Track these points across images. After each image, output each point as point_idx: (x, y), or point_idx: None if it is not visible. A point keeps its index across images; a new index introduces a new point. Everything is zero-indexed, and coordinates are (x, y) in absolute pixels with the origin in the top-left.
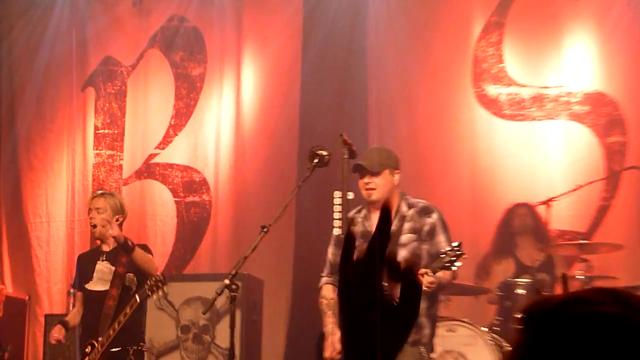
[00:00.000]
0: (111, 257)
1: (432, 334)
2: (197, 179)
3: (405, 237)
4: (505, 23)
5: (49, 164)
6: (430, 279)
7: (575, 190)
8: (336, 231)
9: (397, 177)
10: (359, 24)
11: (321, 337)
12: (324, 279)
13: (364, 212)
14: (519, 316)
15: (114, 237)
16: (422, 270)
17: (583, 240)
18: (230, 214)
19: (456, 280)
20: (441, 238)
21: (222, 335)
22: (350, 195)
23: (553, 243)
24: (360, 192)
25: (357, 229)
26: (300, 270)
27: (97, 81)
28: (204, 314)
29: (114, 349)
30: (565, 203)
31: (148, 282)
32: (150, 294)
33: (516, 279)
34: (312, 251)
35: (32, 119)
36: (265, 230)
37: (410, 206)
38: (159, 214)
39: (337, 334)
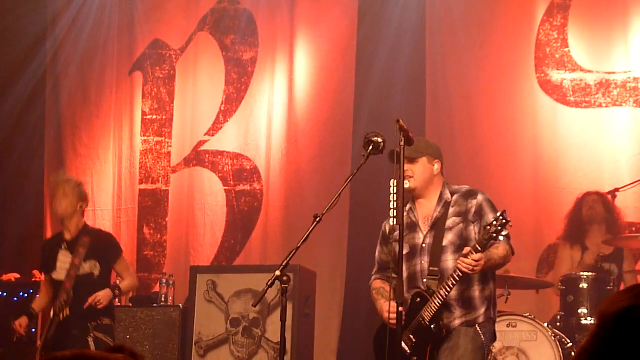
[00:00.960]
0: (71, 246)
1: (490, 316)
2: (248, 167)
3: (450, 221)
4: (570, 5)
5: (95, 150)
6: (477, 256)
7: None
8: (391, 221)
9: (437, 166)
10: (416, 7)
11: (380, 331)
12: (374, 277)
13: (408, 204)
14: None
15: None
16: (466, 250)
17: None
18: (281, 203)
19: (517, 274)
20: (490, 217)
21: (273, 329)
22: (407, 184)
23: (622, 235)
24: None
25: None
26: (354, 262)
27: (145, 65)
28: (254, 306)
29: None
30: (632, 194)
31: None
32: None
33: (580, 273)
34: (367, 242)
35: (77, 104)
36: (318, 219)
37: (453, 193)
38: (208, 203)
39: (392, 304)
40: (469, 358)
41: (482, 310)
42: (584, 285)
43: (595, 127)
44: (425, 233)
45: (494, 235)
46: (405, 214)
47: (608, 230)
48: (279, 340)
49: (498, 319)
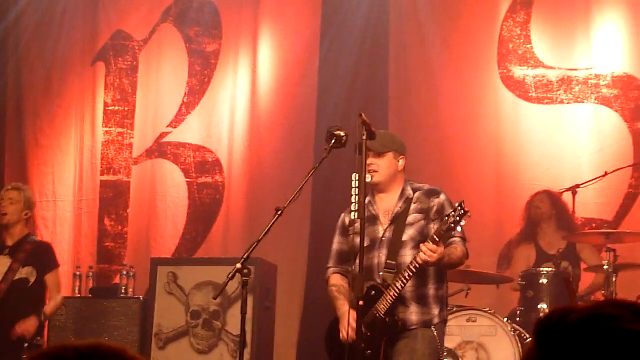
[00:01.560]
0: (12, 252)
1: (444, 317)
2: (210, 159)
3: (412, 217)
4: (533, 2)
5: (57, 141)
6: (433, 247)
7: (602, 177)
8: (352, 214)
9: (401, 162)
10: (381, 1)
11: (333, 324)
12: (331, 269)
13: (368, 198)
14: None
15: None
16: (425, 243)
17: (609, 228)
18: (243, 195)
19: (477, 269)
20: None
21: (233, 321)
22: (369, 178)
23: (578, 231)
24: None
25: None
26: (315, 255)
27: (108, 56)
28: (214, 299)
29: None
30: (592, 190)
31: None
32: None
33: (540, 269)
34: (328, 235)
35: (39, 94)
36: (279, 213)
37: (415, 190)
38: (170, 194)
39: (352, 314)
40: None
41: (437, 311)
42: (544, 280)
43: (557, 124)
44: (385, 226)
45: (452, 225)
46: (365, 205)
47: (559, 227)
48: (239, 332)
49: (458, 314)
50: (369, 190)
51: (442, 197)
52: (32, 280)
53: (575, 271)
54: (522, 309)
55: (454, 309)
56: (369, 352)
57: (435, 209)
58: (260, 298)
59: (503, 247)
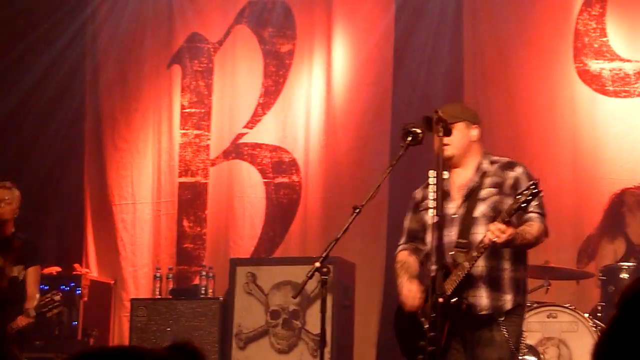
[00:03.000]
0: (2, 250)
1: (518, 301)
2: (287, 159)
3: (485, 192)
4: None
5: (135, 144)
6: (502, 226)
7: None
8: (431, 212)
9: (475, 132)
10: None
11: (398, 308)
12: (400, 247)
13: (446, 173)
14: (620, 297)
15: None
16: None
17: None
18: (320, 195)
19: (557, 264)
20: None
21: (312, 320)
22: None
23: None
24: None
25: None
26: (393, 253)
27: (183, 58)
28: (294, 298)
29: None
30: None
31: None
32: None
33: (620, 263)
34: None
35: (116, 98)
36: (357, 211)
37: (493, 162)
38: (247, 195)
39: (415, 284)
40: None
41: (510, 296)
42: (625, 275)
43: (634, 117)
44: (457, 203)
45: (523, 205)
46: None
47: None
48: (319, 332)
49: (538, 310)
50: (445, 165)
51: (519, 169)
52: (21, 278)
53: None
54: (604, 304)
55: (534, 305)
56: (432, 334)
57: (511, 182)
58: (339, 297)
59: (582, 242)
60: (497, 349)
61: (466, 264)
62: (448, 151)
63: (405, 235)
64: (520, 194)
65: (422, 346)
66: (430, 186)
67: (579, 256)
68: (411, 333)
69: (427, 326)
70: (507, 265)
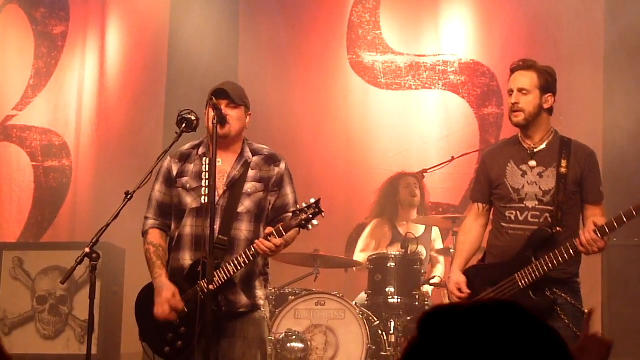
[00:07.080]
0: None
1: (266, 294)
2: (57, 143)
3: (250, 186)
4: None
5: None
6: (278, 241)
7: (449, 162)
8: (203, 199)
9: (248, 119)
10: None
11: (147, 291)
12: (150, 222)
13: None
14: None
15: None
16: (268, 229)
17: (456, 213)
18: (91, 179)
19: (326, 253)
20: (288, 190)
21: (80, 306)
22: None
23: (429, 215)
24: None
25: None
26: None
27: None
28: (62, 283)
29: None
30: (439, 175)
31: None
32: None
33: (388, 252)
34: None
35: None
36: (128, 197)
37: (254, 152)
38: (15, 178)
39: (173, 290)
40: (251, 347)
41: (262, 292)
42: (392, 264)
43: (405, 109)
44: (220, 192)
45: (304, 223)
46: (203, 160)
47: (418, 212)
48: (87, 318)
49: (307, 297)
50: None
51: (283, 165)
52: None
53: (429, 255)
54: (370, 292)
55: (303, 293)
56: (183, 329)
57: (274, 179)
58: (108, 283)
59: (352, 231)
60: (251, 344)
61: (230, 268)
62: (225, 129)
63: (155, 209)
64: (301, 211)
65: (170, 339)
66: (203, 172)
67: (348, 245)
68: (154, 322)
69: (177, 321)
70: (259, 262)
